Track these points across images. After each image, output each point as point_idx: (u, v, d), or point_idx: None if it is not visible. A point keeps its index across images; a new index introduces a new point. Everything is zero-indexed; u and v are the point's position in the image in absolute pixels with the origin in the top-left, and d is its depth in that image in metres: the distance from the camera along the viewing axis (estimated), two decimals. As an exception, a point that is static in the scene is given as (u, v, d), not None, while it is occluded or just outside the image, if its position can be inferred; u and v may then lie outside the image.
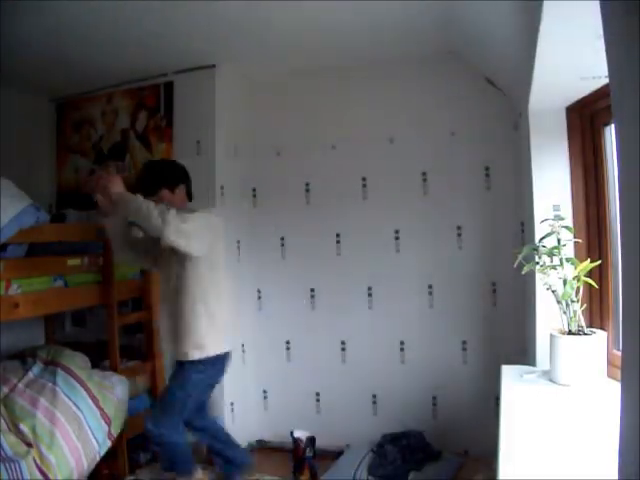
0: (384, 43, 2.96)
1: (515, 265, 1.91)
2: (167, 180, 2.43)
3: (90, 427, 2.49)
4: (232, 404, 3.21)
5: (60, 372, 2.55)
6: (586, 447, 1.32)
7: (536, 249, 1.91)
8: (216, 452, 2.62)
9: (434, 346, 3.12)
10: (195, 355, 2.31)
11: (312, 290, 3.37)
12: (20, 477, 2.17)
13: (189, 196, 2.53)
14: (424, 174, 3.15)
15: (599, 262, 1.86)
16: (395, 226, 3.20)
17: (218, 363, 2.41)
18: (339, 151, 3.31)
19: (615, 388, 1.48)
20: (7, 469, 2.14)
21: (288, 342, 3.43)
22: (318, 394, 3.37)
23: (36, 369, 2.58)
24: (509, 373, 2.03)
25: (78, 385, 2.56)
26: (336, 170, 3.31)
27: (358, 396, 3.26)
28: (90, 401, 2.55)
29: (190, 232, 2.20)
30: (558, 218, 1.89)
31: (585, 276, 1.79)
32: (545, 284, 1.87)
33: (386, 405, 3.22)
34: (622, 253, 0.75)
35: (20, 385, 2.46)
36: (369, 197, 3.26)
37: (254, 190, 3.50)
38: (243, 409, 3.32)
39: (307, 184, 3.37)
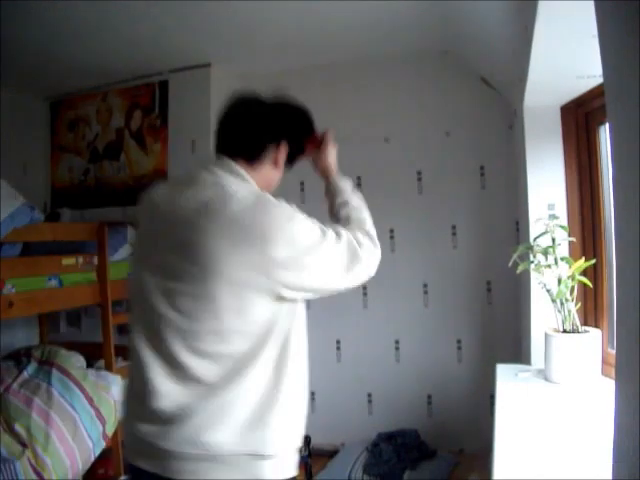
0: (380, 42, 2.96)
1: (510, 264, 1.92)
2: (293, 131, 1.42)
3: (85, 427, 2.48)
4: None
5: (55, 372, 2.54)
6: (580, 445, 1.33)
7: (531, 248, 1.92)
8: None
9: (429, 345, 3.12)
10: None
11: (307, 289, 3.36)
12: (15, 477, 2.15)
13: None
14: (419, 173, 3.15)
15: (594, 261, 1.87)
16: (390, 225, 3.19)
17: None
18: (334, 150, 3.30)
19: (609, 386, 1.49)
20: (2, 469, 2.13)
21: (284, 341, 3.42)
22: (313, 393, 3.36)
23: (31, 369, 2.56)
24: (504, 372, 2.03)
25: (73, 385, 2.55)
26: (331, 169, 3.30)
27: (353, 395, 3.26)
28: (85, 401, 2.54)
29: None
30: (553, 217, 1.90)
31: (580, 275, 1.79)
32: (540, 283, 1.88)
33: (381, 404, 3.22)
34: (616, 252, 0.75)
35: (14, 385, 2.44)
36: (364, 196, 3.23)
37: (249, 189, 3.47)
38: (239, 408, 3.31)
39: (302, 183, 3.36)
